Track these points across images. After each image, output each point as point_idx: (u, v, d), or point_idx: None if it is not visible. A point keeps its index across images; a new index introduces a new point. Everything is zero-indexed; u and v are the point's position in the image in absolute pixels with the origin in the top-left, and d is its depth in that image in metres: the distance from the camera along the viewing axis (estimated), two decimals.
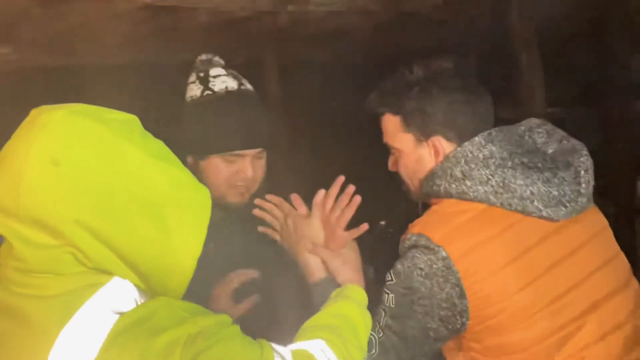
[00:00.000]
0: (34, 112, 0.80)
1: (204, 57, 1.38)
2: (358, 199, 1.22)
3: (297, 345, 0.92)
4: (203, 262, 1.30)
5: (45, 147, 0.74)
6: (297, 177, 4.01)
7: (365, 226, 1.22)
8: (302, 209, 1.25)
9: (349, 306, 1.09)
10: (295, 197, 1.26)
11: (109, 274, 0.75)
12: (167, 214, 0.77)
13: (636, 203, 3.92)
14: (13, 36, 2.58)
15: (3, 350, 0.70)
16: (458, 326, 1.08)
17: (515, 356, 1.06)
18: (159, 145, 0.83)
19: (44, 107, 0.81)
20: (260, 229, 1.27)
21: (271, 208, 1.26)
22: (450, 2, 3.34)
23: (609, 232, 1.20)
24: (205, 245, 1.31)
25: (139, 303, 0.74)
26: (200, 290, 1.07)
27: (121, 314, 0.71)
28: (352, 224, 1.25)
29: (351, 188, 1.23)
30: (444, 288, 1.05)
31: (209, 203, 0.83)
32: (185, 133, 1.32)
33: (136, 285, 0.76)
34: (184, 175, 0.82)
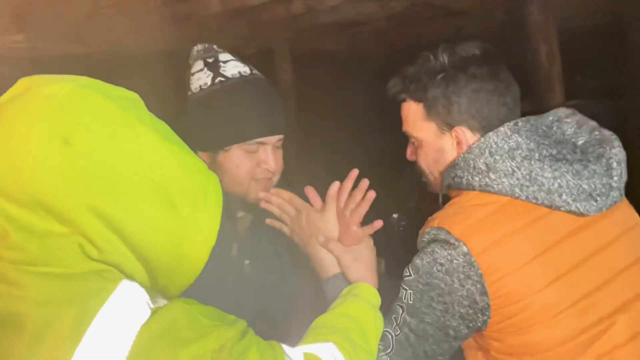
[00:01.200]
0: (25, 81, 0.73)
1: (200, 46, 1.28)
2: (372, 194, 1.18)
3: (308, 348, 0.88)
4: (238, 277, 1.26)
5: (54, 124, 0.67)
6: (310, 168, 3.98)
7: (379, 223, 1.18)
8: (317, 202, 1.20)
9: (360, 306, 1.05)
10: (309, 190, 1.21)
11: (115, 276, 0.69)
12: (181, 201, 0.71)
13: None
14: (25, 24, 2.57)
15: None
16: (479, 324, 1.04)
17: (539, 356, 1.01)
18: (165, 126, 0.77)
19: (37, 78, 0.73)
20: (268, 221, 1.23)
21: (281, 203, 1.21)
22: None
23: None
24: (240, 260, 1.27)
25: (152, 307, 0.69)
26: (242, 307, 1.02)
27: (140, 326, 0.65)
28: (367, 217, 1.22)
29: (365, 182, 1.18)
30: (465, 285, 1.01)
31: (220, 189, 0.78)
32: (197, 127, 1.21)
33: (142, 283, 0.71)
34: (194, 160, 0.76)
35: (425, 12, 3.64)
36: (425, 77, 1.13)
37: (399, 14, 3.57)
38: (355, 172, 1.18)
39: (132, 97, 0.75)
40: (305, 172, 4.09)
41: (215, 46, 1.28)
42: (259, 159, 1.21)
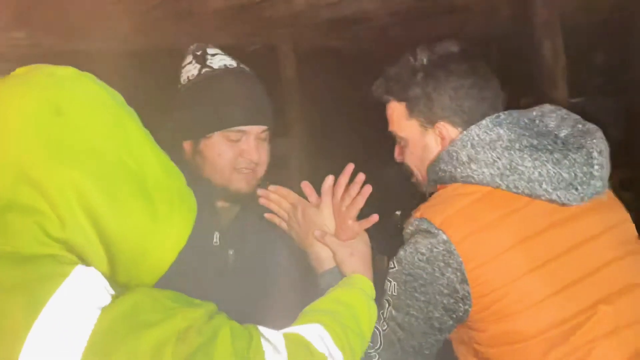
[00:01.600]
0: (23, 68, 0.73)
1: (193, 45, 1.30)
2: (368, 188, 1.19)
3: (291, 329, 0.86)
4: (222, 267, 1.26)
5: (49, 94, 0.67)
6: (314, 164, 3.98)
7: (375, 217, 1.18)
8: (313, 197, 1.21)
9: (353, 293, 1.05)
10: (305, 185, 1.21)
11: (71, 260, 0.65)
12: (158, 197, 0.71)
13: None
14: (27, 21, 2.57)
15: None
16: (461, 314, 1.04)
17: (519, 345, 1.01)
18: (148, 132, 0.78)
19: (37, 65, 0.74)
20: (267, 215, 1.23)
21: (278, 199, 1.22)
22: None
23: (630, 225, 1.15)
24: (223, 250, 1.27)
25: (112, 293, 0.65)
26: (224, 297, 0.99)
27: (101, 308, 0.62)
28: (368, 213, 1.21)
29: (361, 176, 1.19)
30: (445, 273, 1.02)
31: (195, 204, 0.77)
32: (182, 116, 1.23)
33: (101, 273, 0.66)
34: (176, 168, 0.78)
35: (429, 9, 3.63)
36: (406, 77, 1.16)
37: (402, 11, 3.56)
38: (350, 167, 1.19)
39: (124, 101, 0.77)
40: (308, 168, 4.09)
41: (208, 44, 1.30)
42: (241, 148, 1.21)
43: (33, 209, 0.65)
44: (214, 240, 1.27)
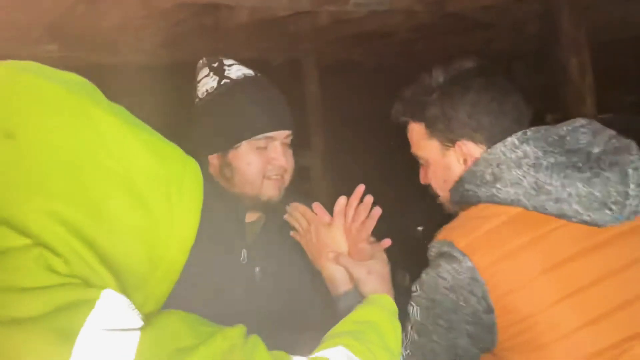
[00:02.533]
0: None
1: (204, 59, 1.29)
2: (378, 210, 1.16)
3: (315, 355, 0.84)
4: (249, 285, 1.25)
5: None
6: (336, 179, 3.97)
7: (387, 241, 1.16)
8: (325, 217, 1.19)
9: (373, 311, 1.01)
10: (316, 206, 1.19)
11: (91, 284, 0.58)
12: (152, 195, 0.61)
13: None
14: (58, 34, 2.64)
15: None
16: (488, 344, 1.01)
17: None
18: (127, 112, 0.65)
19: None
20: (292, 234, 1.22)
21: (298, 217, 1.21)
22: (497, 4, 3.23)
23: None
24: (251, 267, 1.25)
25: (140, 316, 0.59)
26: (252, 315, 0.98)
27: (140, 329, 0.56)
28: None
29: (369, 198, 1.16)
30: (470, 301, 0.98)
31: (200, 177, 0.67)
32: (206, 130, 1.23)
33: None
34: (166, 145, 0.65)
35: (454, 24, 3.61)
36: (422, 97, 1.14)
37: (425, 26, 3.55)
38: (361, 188, 1.18)
39: (82, 82, 0.65)
40: (330, 180, 4.08)
41: (220, 57, 1.31)
42: (269, 155, 1.21)
43: (25, 248, 0.56)
44: (242, 257, 1.26)
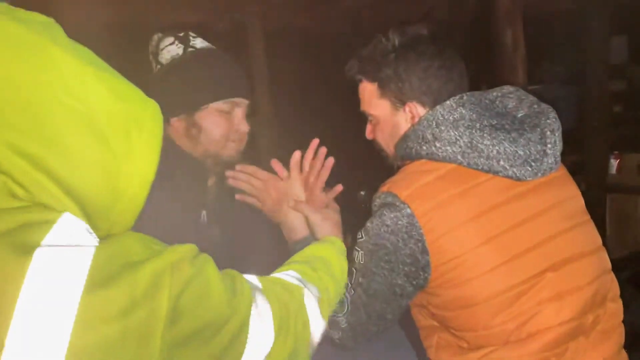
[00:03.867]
0: None
1: (159, 33, 1.36)
2: (331, 160, 1.27)
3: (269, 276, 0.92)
4: (208, 245, 1.34)
5: None
6: (281, 142, 4.02)
7: (339, 187, 1.28)
8: (283, 172, 1.27)
9: (324, 248, 1.11)
10: (275, 163, 1.29)
11: (53, 209, 0.61)
12: (112, 132, 0.64)
13: (608, 180, 4.04)
14: None
15: None
16: (421, 281, 1.11)
17: (470, 309, 1.11)
18: (90, 52, 0.67)
19: None
20: (238, 196, 1.30)
21: (247, 178, 1.28)
22: None
23: (580, 200, 1.23)
24: (210, 227, 1.33)
25: (97, 239, 0.63)
26: None
27: (95, 247, 0.60)
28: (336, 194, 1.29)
29: (323, 149, 1.27)
30: (408, 244, 1.09)
31: (160, 119, 0.70)
32: (169, 93, 1.28)
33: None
34: (127, 86, 0.68)
35: None
36: (378, 58, 1.21)
37: None
38: (316, 142, 1.27)
39: (45, 22, 0.65)
40: (276, 146, 4.13)
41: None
42: (234, 121, 1.31)
43: None
44: (202, 218, 1.34)
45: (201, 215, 1.34)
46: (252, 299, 0.79)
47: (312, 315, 0.91)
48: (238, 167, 1.29)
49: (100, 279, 0.58)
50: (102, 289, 0.58)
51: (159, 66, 1.32)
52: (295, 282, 0.93)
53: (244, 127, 1.33)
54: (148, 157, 0.67)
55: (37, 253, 0.56)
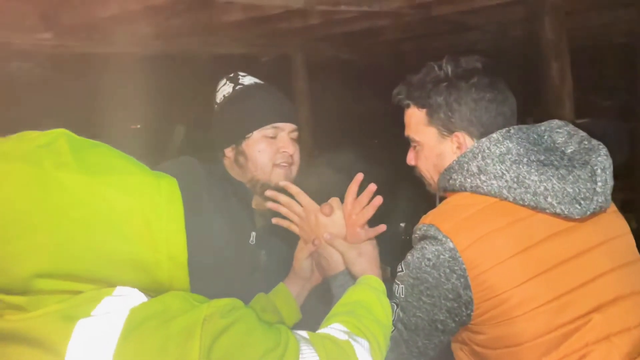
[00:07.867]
0: None
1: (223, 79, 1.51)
2: (379, 199, 1.24)
3: (316, 332, 0.95)
4: (255, 267, 1.36)
5: None
6: (319, 172, 4.03)
7: (383, 227, 1.24)
8: (326, 208, 1.26)
9: (363, 291, 1.10)
10: (333, 201, 1.28)
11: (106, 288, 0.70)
12: (129, 227, 0.70)
13: None
14: (54, 23, 2.67)
15: None
16: (464, 318, 1.08)
17: (516, 348, 1.07)
18: (97, 153, 0.73)
19: None
20: (274, 220, 1.29)
21: (289, 202, 1.28)
22: (481, 8, 3.33)
23: (629, 238, 1.18)
24: (258, 249, 1.37)
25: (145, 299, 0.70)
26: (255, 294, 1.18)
27: (130, 309, 0.67)
28: (375, 224, 1.27)
29: (372, 187, 1.24)
30: (450, 279, 1.06)
31: (175, 191, 0.75)
32: (222, 127, 1.39)
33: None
34: (137, 177, 0.73)
35: (440, 26, 3.71)
36: (430, 85, 1.20)
37: (413, 27, 3.64)
38: (360, 176, 1.25)
39: (49, 142, 0.71)
40: (317, 178, 4.14)
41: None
42: (278, 145, 1.35)
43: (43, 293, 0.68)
44: (251, 239, 1.37)
45: (251, 236, 1.38)
46: (298, 350, 0.80)
47: None
48: (282, 183, 1.30)
49: (135, 334, 0.65)
50: (135, 343, 0.64)
51: (215, 106, 1.44)
52: (344, 336, 0.93)
53: (290, 149, 1.36)
54: (175, 241, 0.73)
55: (80, 322, 0.65)
